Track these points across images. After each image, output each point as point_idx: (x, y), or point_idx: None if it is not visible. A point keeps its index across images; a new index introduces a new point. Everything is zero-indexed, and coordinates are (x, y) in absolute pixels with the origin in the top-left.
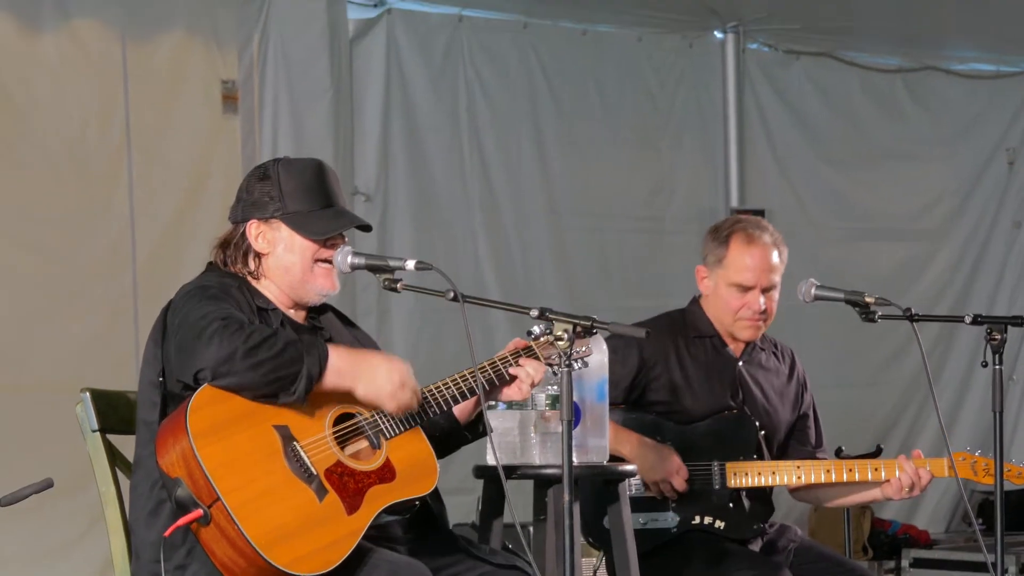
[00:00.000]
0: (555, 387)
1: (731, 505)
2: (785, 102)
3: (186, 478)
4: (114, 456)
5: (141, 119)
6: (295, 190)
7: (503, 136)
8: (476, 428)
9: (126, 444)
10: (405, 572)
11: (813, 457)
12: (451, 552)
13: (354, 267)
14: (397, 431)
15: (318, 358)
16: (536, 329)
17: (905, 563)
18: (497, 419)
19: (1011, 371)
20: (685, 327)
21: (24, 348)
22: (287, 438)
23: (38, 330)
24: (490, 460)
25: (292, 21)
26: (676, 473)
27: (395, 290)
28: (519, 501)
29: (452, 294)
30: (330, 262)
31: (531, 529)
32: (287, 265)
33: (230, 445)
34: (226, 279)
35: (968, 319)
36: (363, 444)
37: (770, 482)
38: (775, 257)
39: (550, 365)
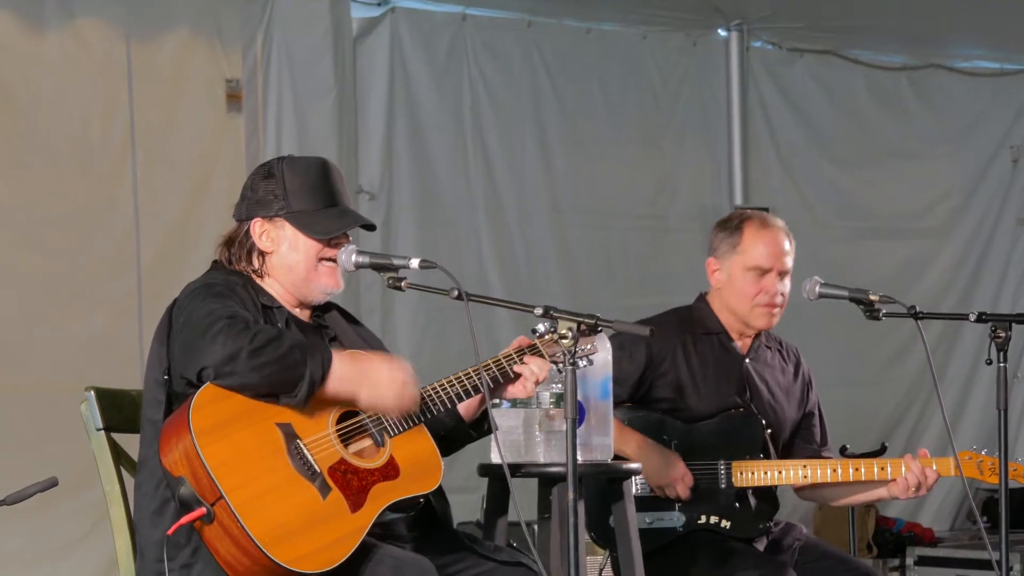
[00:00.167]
0: (559, 385)
1: (737, 504)
2: (789, 100)
3: (189, 476)
4: (119, 455)
5: (145, 118)
6: (299, 189)
7: (507, 134)
8: (481, 426)
9: (131, 443)
10: (409, 568)
11: (818, 456)
12: (455, 550)
13: (358, 266)
14: (401, 429)
15: (321, 363)
16: (540, 327)
17: (910, 561)
18: (501, 417)
19: (1016, 369)
20: (693, 323)
21: (28, 347)
22: (290, 436)
23: (42, 329)
24: (495, 458)
25: (296, 20)
26: (681, 479)
27: (399, 289)
28: (523, 499)
29: (456, 292)
30: (334, 261)
31: (536, 527)
32: (291, 264)
33: (233, 443)
34: (231, 277)
35: (972, 317)
36: (367, 442)
37: (776, 481)
38: (787, 243)
39: (554, 363)
